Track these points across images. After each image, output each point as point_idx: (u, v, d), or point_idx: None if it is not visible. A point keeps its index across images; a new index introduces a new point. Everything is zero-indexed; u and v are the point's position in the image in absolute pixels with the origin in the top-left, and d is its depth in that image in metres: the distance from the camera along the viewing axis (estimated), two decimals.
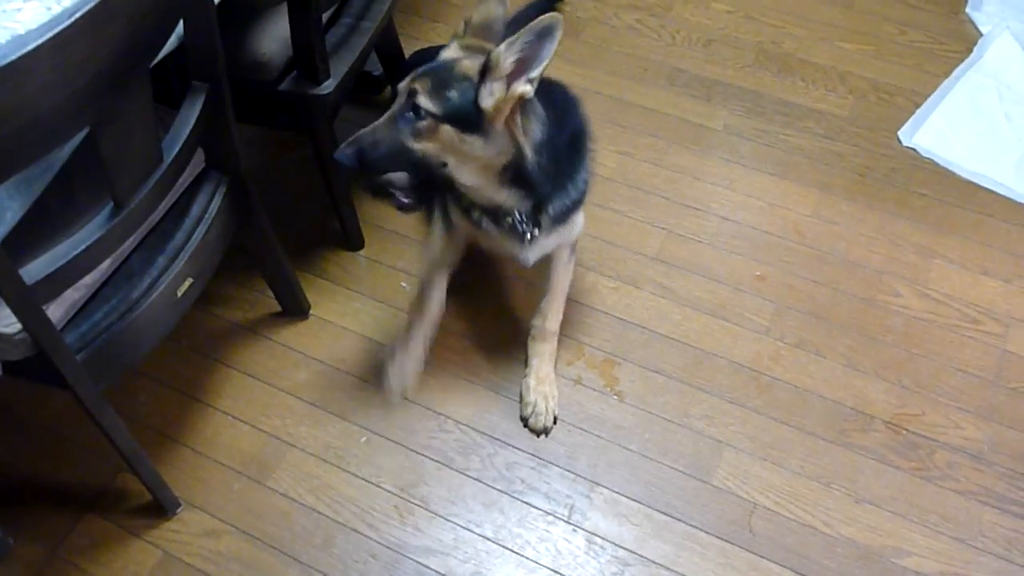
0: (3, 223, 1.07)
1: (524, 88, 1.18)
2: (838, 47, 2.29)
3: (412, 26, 2.30)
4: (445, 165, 1.27)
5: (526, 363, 1.61)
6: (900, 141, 2.06)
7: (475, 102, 1.20)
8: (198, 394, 1.60)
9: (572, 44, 2.28)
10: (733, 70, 2.22)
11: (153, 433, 1.54)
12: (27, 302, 0.99)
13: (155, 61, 1.04)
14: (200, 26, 1.11)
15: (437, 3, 2.39)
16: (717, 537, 1.44)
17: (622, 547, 1.43)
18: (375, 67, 2.03)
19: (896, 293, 1.77)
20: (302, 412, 1.58)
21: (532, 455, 1.53)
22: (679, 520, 1.46)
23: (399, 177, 1.40)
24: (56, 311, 1.13)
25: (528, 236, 1.40)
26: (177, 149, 1.13)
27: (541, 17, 1.14)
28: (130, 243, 1.23)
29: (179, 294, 1.26)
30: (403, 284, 1.77)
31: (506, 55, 1.17)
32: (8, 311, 0.99)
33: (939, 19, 2.35)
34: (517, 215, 1.37)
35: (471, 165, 1.28)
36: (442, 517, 1.46)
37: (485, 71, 1.19)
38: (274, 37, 1.58)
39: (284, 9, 1.44)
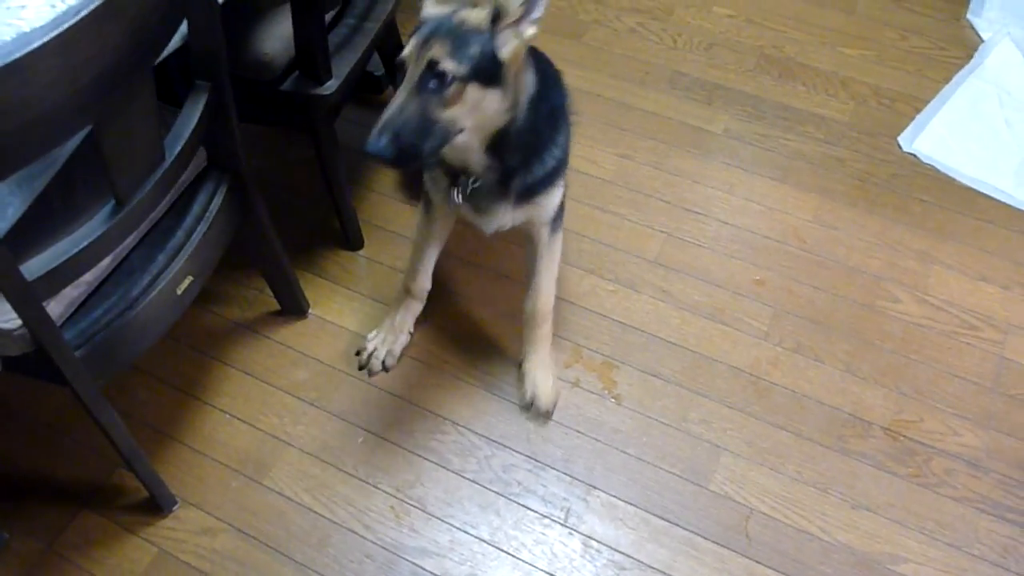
0: (4, 219, 1.07)
1: (532, 30, 1.16)
2: (839, 52, 2.29)
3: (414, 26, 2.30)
4: (461, 131, 1.21)
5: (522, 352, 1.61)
6: (900, 147, 2.06)
7: (492, 54, 1.16)
8: (196, 392, 1.60)
9: (573, 46, 2.29)
10: (734, 74, 2.23)
11: (150, 430, 1.54)
12: (27, 298, 0.99)
13: (159, 60, 1.04)
14: (203, 25, 1.11)
15: None
16: (714, 542, 1.44)
17: (618, 551, 1.43)
18: (377, 67, 2.03)
19: (895, 299, 1.77)
20: (299, 411, 1.58)
21: (529, 457, 1.53)
22: (676, 525, 1.46)
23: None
24: (56, 307, 1.13)
25: (460, 198, 1.33)
26: (179, 148, 1.13)
27: None
28: (131, 240, 1.23)
29: (179, 292, 1.26)
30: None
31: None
32: (8, 307, 0.99)
33: (940, 25, 2.36)
34: (469, 180, 1.31)
35: (480, 124, 1.22)
36: (438, 518, 1.46)
37: (496, 20, 1.16)
38: (277, 37, 1.58)
39: (287, 9, 1.44)
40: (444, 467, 1.52)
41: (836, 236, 1.88)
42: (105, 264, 1.18)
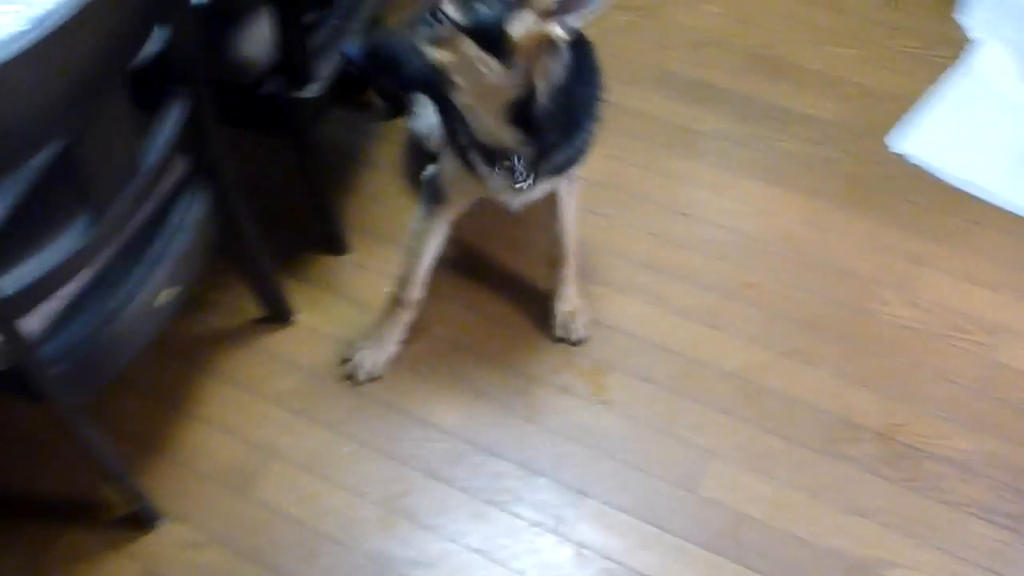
0: None
1: (558, 31, 1.14)
2: (829, 51, 2.28)
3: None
4: (453, 86, 1.20)
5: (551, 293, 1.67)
6: (889, 147, 2.05)
7: (503, 24, 1.14)
8: (179, 402, 1.58)
9: None
10: (723, 74, 2.21)
11: (132, 443, 1.51)
12: (2, 315, 0.97)
13: (135, 66, 1.01)
14: (180, 31, 1.08)
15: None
16: (705, 549, 1.43)
17: (609, 558, 1.42)
18: None
19: (885, 302, 1.77)
20: (286, 421, 1.56)
21: (519, 465, 1.52)
22: (667, 531, 1.45)
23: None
24: (32, 323, 1.10)
25: (521, 185, 1.35)
26: (156, 157, 1.10)
27: None
28: (109, 253, 1.20)
29: (160, 304, 1.24)
30: (387, 290, 1.75)
31: None
32: None
33: (929, 24, 2.35)
34: (516, 160, 1.33)
35: (480, 90, 1.21)
36: (428, 528, 1.44)
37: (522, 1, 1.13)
38: (258, 39, 1.55)
39: (268, 11, 1.41)
40: (433, 476, 1.50)
41: (826, 238, 1.87)
42: (83, 277, 1.15)
